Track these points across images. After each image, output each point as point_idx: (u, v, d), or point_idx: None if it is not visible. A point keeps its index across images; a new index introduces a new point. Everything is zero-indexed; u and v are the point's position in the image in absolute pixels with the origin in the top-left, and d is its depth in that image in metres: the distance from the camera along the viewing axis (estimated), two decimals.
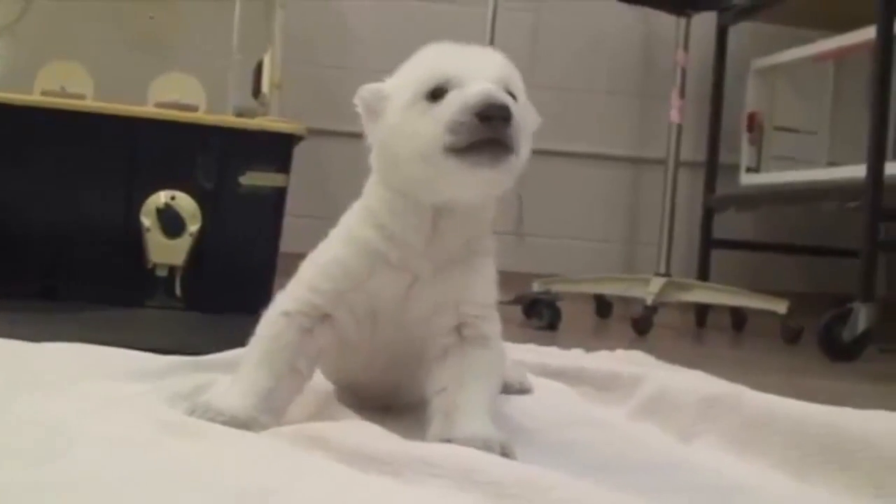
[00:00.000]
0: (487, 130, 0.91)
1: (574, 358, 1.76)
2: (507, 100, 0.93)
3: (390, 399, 1.14)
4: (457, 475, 0.81)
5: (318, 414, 1.09)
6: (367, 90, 1.02)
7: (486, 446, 0.90)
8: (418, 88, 0.96)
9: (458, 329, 1.03)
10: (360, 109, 1.03)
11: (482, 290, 1.05)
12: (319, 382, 1.20)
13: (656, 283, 3.05)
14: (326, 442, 0.90)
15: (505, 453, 0.91)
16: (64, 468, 0.76)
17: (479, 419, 0.97)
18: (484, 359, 1.03)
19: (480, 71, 0.96)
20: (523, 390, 1.41)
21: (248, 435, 0.94)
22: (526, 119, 1.00)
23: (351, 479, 0.82)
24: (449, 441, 0.92)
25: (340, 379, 1.19)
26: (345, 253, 1.03)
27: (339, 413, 1.08)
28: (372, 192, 1.05)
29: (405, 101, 0.97)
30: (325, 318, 1.03)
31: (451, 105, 0.93)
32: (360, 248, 1.02)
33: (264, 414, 0.99)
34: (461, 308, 1.03)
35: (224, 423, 0.96)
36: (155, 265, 2.37)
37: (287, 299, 1.05)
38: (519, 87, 1.01)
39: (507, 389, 1.36)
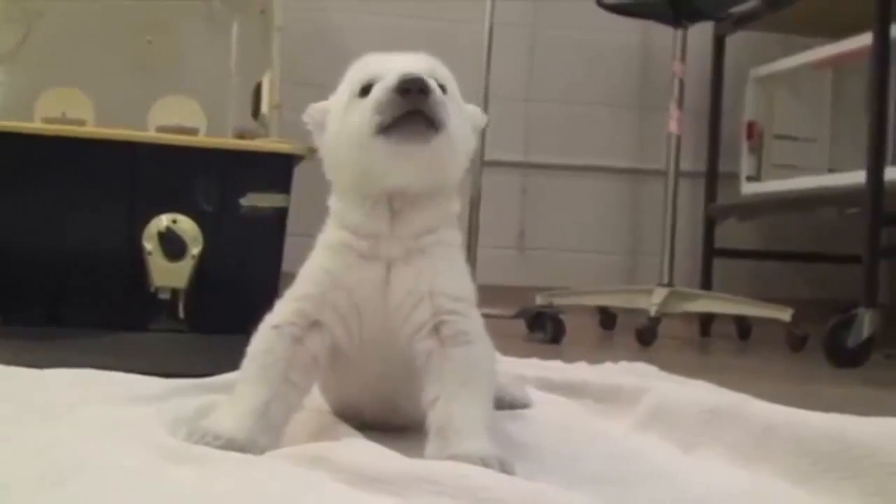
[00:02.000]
0: (407, 103, 0.98)
1: (577, 371, 1.76)
2: (427, 78, 0.99)
3: (391, 421, 1.14)
4: (460, 493, 0.80)
5: (320, 434, 1.09)
6: (313, 108, 1.11)
7: (485, 464, 0.90)
8: (351, 90, 1.04)
9: (437, 329, 1.03)
10: (310, 127, 1.11)
11: (454, 281, 1.07)
12: (319, 403, 1.21)
13: (659, 294, 3.05)
14: (328, 462, 0.90)
15: (504, 470, 0.90)
16: (66, 497, 0.76)
17: (474, 435, 0.96)
18: (469, 358, 1.03)
19: (405, 64, 1.03)
20: (524, 405, 1.41)
21: (249, 458, 0.94)
22: (462, 113, 1.07)
23: (353, 499, 0.82)
24: (447, 459, 0.92)
25: (341, 401, 1.19)
26: (321, 258, 1.08)
27: (341, 433, 1.08)
28: (333, 200, 1.11)
29: (342, 105, 1.05)
30: (314, 325, 1.05)
31: (376, 91, 1.00)
32: (333, 249, 1.07)
33: (263, 434, 0.99)
34: (435, 300, 1.04)
35: (221, 446, 0.96)
36: (157, 288, 2.37)
37: (275, 313, 1.07)
38: (450, 83, 1.08)
39: (510, 405, 1.37)
